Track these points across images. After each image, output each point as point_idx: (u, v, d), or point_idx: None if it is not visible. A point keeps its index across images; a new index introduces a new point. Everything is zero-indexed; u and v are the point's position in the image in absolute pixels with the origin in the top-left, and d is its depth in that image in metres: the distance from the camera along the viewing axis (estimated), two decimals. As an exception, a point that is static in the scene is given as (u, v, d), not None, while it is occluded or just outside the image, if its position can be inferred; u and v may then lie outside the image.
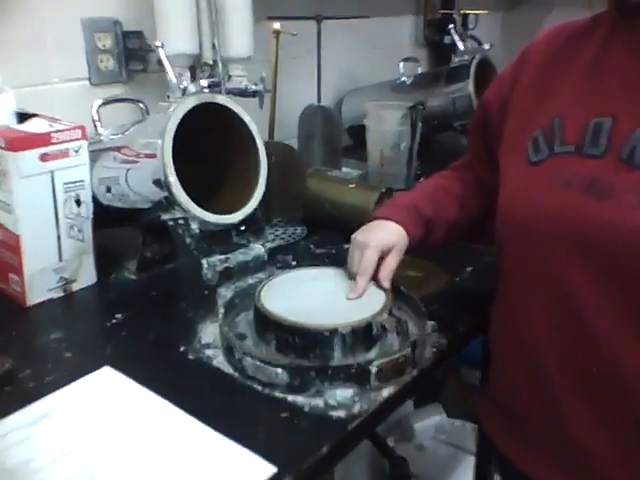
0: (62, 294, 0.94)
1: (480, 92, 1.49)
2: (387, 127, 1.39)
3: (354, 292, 0.81)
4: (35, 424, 0.65)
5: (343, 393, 0.69)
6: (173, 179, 0.82)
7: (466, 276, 1.02)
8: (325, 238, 1.16)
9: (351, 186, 1.18)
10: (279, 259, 1.07)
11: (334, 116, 1.48)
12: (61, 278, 0.93)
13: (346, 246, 1.13)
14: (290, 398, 0.70)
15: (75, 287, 0.95)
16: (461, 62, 1.51)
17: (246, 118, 0.90)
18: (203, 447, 0.62)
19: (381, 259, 0.83)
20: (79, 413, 0.67)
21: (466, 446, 1.50)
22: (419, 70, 1.67)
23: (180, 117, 0.83)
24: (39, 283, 0.90)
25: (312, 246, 1.14)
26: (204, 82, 0.82)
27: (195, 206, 0.84)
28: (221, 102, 0.87)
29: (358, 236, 0.86)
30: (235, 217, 0.88)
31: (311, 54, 1.46)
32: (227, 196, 0.93)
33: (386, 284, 0.82)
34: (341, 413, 0.68)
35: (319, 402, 0.70)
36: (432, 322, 0.84)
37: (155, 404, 0.69)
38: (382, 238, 0.84)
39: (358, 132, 1.64)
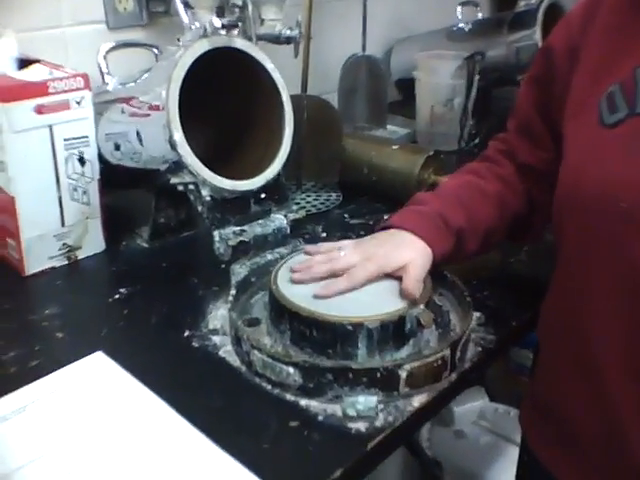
0: (65, 262, 0.85)
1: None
2: (439, 80, 1.23)
3: (323, 291, 0.65)
4: (5, 420, 0.57)
5: (365, 401, 0.58)
6: (179, 137, 0.70)
7: (522, 257, 0.88)
8: (362, 207, 1.04)
9: (394, 147, 1.04)
10: (307, 229, 0.95)
11: (381, 68, 1.33)
12: (64, 245, 0.84)
13: (386, 216, 1.02)
14: (302, 402, 0.60)
15: (80, 255, 0.86)
16: (527, 6, 1.32)
17: (269, 65, 0.77)
18: (193, 459, 0.52)
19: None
20: (58, 409, 0.59)
21: (511, 436, 1.37)
22: (479, 15, 1.49)
23: (189, 64, 0.70)
24: (39, 250, 0.82)
25: (346, 215, 1.01)
26: (217, 21, 0.69)
27: (205, 169, 0.72)
28: (239, 47, 0.74)
29: (364, 242, 0.70)
30: (253, 183, 0.76)
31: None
32: (247, 159, 0.81)
33: (416, 294, 0.65)
34: (361, 426, 0.57)
35: (336, 410, 0.59)
36: (478, 313, 0.72)
37: (146, 402, 0.59)
38: (390, 257, 0.67)
39: (408, 86, 1.48)
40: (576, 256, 0.63)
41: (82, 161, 0.83)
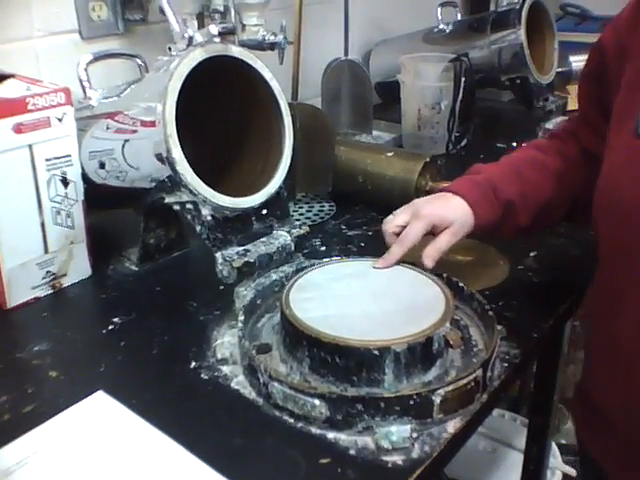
0: (50, 291, 0.79)
1: (532, 41, 1.29)
2: (426, 83, 1.21)
3: (382, 261, 0.70)
4: (7, 476, 0.51)
5: (399, 431, 0.54)
6: (178, 154, 0.65)
7: (530, 263, 0.86)
8: (358, 217, 1.00)
9: (389, 154, 1.00)
10: (304, 244, 0.90)
11: (364, 72, 1.29)
12: (48, 273, 0.78)
13: (384, 226, 0.98)
14: (330, 436, 0.55)
15: (66, 282, 0.80)
16: (510, 6, 1.31)
17: (267, 75, 0.73)
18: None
19: (432, 235, 0.70)
20: (63, 459, 0.53)
21: (510, 441, 1.35)
22: (458, 16, 1.47)
23: (185, 74, 0.65)
24: (21, 280, 0.75)
25: (344, 227, 0.97)
26: (214, 28, 0.65)
27: (206, 188, 0.67)
28: (236, 55, 0.70)
29: (415, 200, 0.74)
30: (256, 199, 0.71)
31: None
32: (246, 173, 0.76)
33: (428, 263, 0.69)
34: (397, 458, 0.53)
35: (367, 442, 0.55)
36: (499, 327, 0.68)
37: (158, 445, 0.54)
38: (438, 212, 0.70)
39: (388, 89, 1.46)
40: (609, 257, 0.63)
41: (65, 182, 0.77)
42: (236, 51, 0.70)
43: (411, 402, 0.55)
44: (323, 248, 0.90)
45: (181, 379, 0.63)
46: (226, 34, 0.70)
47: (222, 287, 0.75)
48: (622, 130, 0.61)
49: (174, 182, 0.69)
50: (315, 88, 1.28)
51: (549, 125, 1.30)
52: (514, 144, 1.30)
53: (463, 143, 1.30)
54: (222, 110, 0.77)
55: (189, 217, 0.71)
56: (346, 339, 0.58)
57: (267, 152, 0.76)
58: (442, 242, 0.70)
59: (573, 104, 1.47)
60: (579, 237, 0.90)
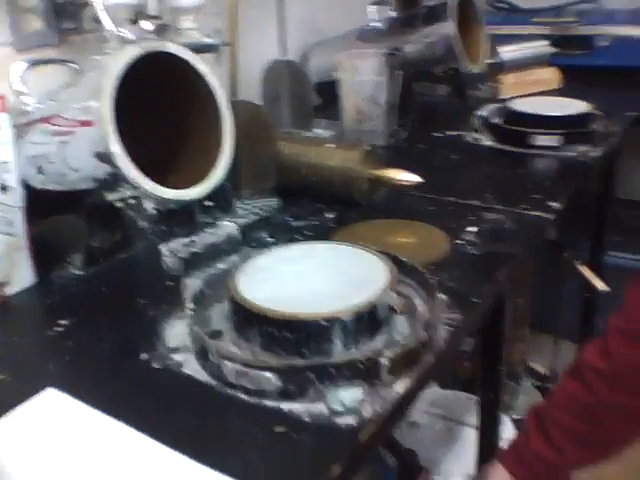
0: (-4, 300, 0.78)
1: (462, 33, 1.34)
2: (363, 78, 1.24)
3: None
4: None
5: (350, 394, 0.56)
6: (117, 149, 0.66)
7: (470, 238, 0.89)
8: (304, 208, 1.02)
9: (330, 146, 1.03)
10: (252, 237, 0.92)
11: (302, 72, 1.32)
12: (-8, 282, 0.77)
13: (330, 215, 1.01)
14: (285, 406, 0.57)
15: (9, 291, 0.79)
16: (440, 0, 1.36)
17: (204, 69, 0.75)
18: (181, 486, 0.48)
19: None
20: (20, 456, 0.53)
21: (464, 419, 1.39)
22: (391, 13, 1.52)
23: (121, 69, 0.66)
24: (-36, 290, 0.74)
25: (290, 219, 0.99)
26: (148, 24, 0.66)
27: (148, 180, 0.68)
28: (172, 51, 0.71)
29: None
30: (199, 191, 0.73)
31: (268, 3, 1.29)
32: (187, 168, 0.77)
33: None
34: (350, 419, 0.55)
35: (321, 408, 0.56)
36: (442, 296, 0.72)
37: (117, 433, 0.54)
38: None
39: (327, 90, 1.48)
40: None
41: (4, 188, 0.77)
42: (172, 47, 0.72)
43: (360, 366, 0.57)
44: (270, 240, 0.92)
45: (133, 371, 0.64)
46: (161, 31, 0.71)
47: (170, 283, 0.76)
48: None
49: (115, 178, 0.70)
50: (255, 90, 1.30)
51: (482, 112, 1.35)
52: (450, 133, 1.35)
53: (403, 135, 1.34)
54: (163, 107, 0.78)
55: (132, 213, 0.72)
56: (294, 314, 0.60)
57: (208, 146, 0.77)
58: None
59: (504, 92, 1.54)
60: (514, 213, 0.95)
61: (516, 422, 1.45)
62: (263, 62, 1.30)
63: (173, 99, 0.78)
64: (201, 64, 0.76)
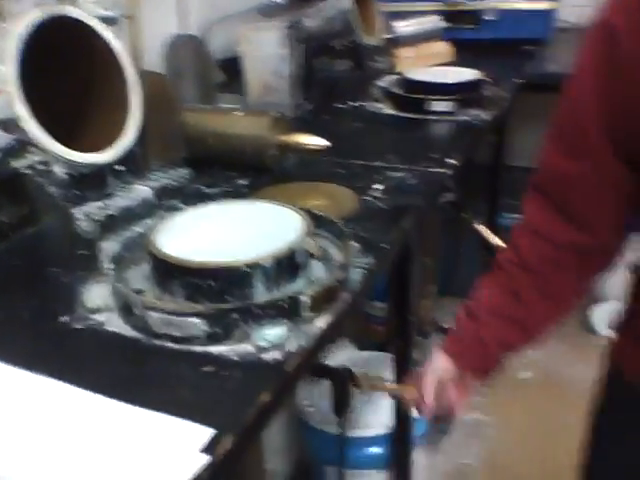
0: None
1: (358, 7, 1.39)
2: (265, 51, 1.26)
3: None
4: None
5: (275, 332, 0.59)
6: (23, 112, 0.65)
7: (377, 194, 0.95)
8: (216, 177, 1.03)
9: (238, 114, 1.05)
10: (165, 205, 0.92)
11: (205, 47, 1.32)
12: None
13: (242, 182, 1.03)
14: (213, 349, 0.59)
15: None
16: (333, -25, 1.40)
17: (106, 34, 0.75)
18: (125, 426, 0.50)
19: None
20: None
21: (381, 376, 1.46)
22: (289, -10, 1.55)
23: (23, 34, 0.65)
24: None
25: (203, 187, 1.00)
26: (45, -11, 0.66)
27: (57, 144, 0.68)
28: (74, 15, 0.71)
29: None
30: (109, 154, 0.73)
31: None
32: (96, 132, 0.77)
33: None
34: (276, 354, 0.58)
35: (248, 348, 0.59)
36: (354, 244, 0.76)
37: (52, 390, 0.54)
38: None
39: (230, 66, 1.49)
40: None
41: None
42: (74, 12, 0.71)
43: (282, 305, 0.60)
44: (183, 206, 0.93)
45: (55, 333, 0.64)
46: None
47: (84, 251, 0.76)
48: None
49: (22, 144, 0.68)
50: (157, 65, 1.29)
51: (381, 83, 1.42)
52: (352, 103, 1.41)
53: (307, 107, 1.38)
54: (69, 74, 0.77)
55: (41, 179, 0.71)
56: (216, 262, 0.62)
57: (115, 110, 0.77)
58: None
59: (401, 66, 1.61)
60: (415, 171, 1.01)
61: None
62: (165, 37, 1.29)
63: (78, 66, 0.77)
64: (105, 30, 0.76)
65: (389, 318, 1.70)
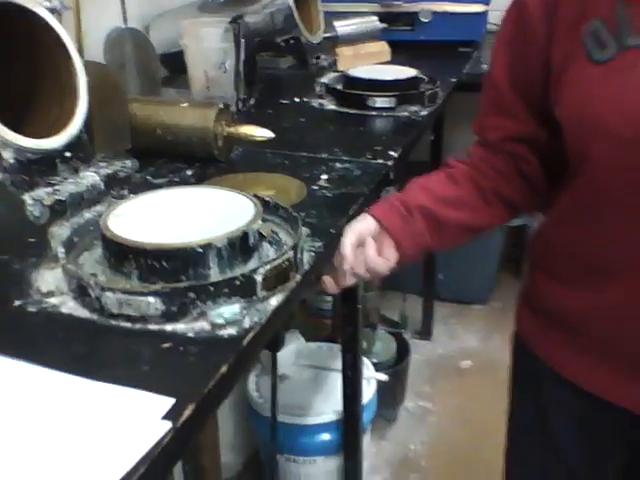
0: None
1: (299, 6, 1.42)
2: (209, 45, 1.28)
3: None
4: None
5: (230, 309, 0.61)
6: (-33, 95, 0.65)
7: (323, 184, 0.98)
8: (163, 168, 1.04)
9: (184, 105, 1.06)
10: (114, 195, 0.92)
11: (147, 40, 1.32)
12: None
13: (189, 172, 1.04)
14: (169, 327, 0.60)
15: None
16: (275, -27, 1.42)
17: (51, 21, 0.74)
18: (85, 400, 0.50)
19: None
20: None
21: (329, 365, 1.50)
22: (230, -14, 1.56)
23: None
24: None
25: (150, 177, 1.01)
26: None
27: (5, 129, 0.67)
28: (18, 2, 0.70)
29: None
30: (58, 140, 0.73)
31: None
32: (43, 119, 0.77)
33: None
34: (232, 330, 0.60)
35: (204, 325, 0.61)
36: (304, 228, 0.79)
37: (10, 368, 0.54)
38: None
39: (171, 61, 1.50)
40: (594, 178, 0.67)
41: None
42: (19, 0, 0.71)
43: (237, 283, 0.62)
44: (132, 195, 0.93)
45: (10, 316, 0.63)
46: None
47: (32, 239, 0.76)
48: (575, 65, 0.64)
49: (-33, 128, 0.68)
50: (99, 58, 1.28)
51: (324, 80, 1.45)
52: (296, 99, 1.44)
53: (251, 101, 1.40)
54: (14, 61, 0.76)
55: (-12, 165, 0.70)
56: (170, 243, 0.64)
57: (62, 96, 0.77)
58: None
59: (342, 64, 1.65)
60: (359, 162, 1.05)
61: (375, 365, 1.59)
62: (106, 30, 1.28)
63: (24, 54, 0.77)
64: (49, 16, 0.75)
65: (336, 310, 1.75)
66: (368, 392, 1.43)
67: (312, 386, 1.42)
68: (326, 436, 1.34)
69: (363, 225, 0.76)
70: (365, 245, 0.75)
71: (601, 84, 0.62)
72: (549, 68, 0.69)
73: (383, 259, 0.75)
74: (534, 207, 0.83)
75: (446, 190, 0.77)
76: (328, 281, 0.76)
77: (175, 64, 1.45)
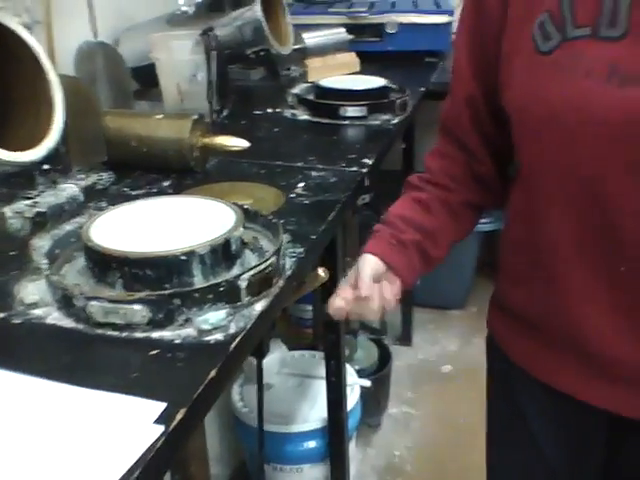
0: None
1: (269, 17, 1.44)
2: (180, 57, 1.28)
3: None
4: None
5: (215, 315, 0.62)
6: (-57, 110, 0.64)
7: (300, 192, 0.99)
8: (139, 179, 1.04)
9: (158, 117, 1.06)
10: (91, 206, 0.92)
11: (117, 54, 1.32)
12: None
13: (166, 183, 1.04)
14: (155, 335, 0.61)
15: None
16: (244, -15, 1.44)
17: (24, 34, 0.74)
18: (76, 408, 0.50)
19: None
20: None
21: (312, 373, 1.51)
22: None
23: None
24: None
25: (126, 189, 1.01)
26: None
27: (-19, 142, 0.67)
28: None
29: None
30: (36, 153, 0.73)
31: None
32: (19, 133, 0.76)
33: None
34: (219, 336, 0.61)
35: (190, 331, 0.61)
36: (284, 235, 0.79)
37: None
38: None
39: (142, 74, 1.50)
40: (535, 170, 0.69)
41: None
42: (-10, 10, 0.71)
43: (221, 289, 0.63)
44: (110, 207, 0.93)
45: (-8, 330, 0.63)
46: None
47: (13, 252, 0.75)
48: (521, 54, 0.66)
49: (-57, 143, 0.67)
50: (70, 71, 1.27)
51: (295, 90, 1.47)
52: (269, 110, 1.45)
53: (225, 113, 1.41)
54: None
55: (-35, 179, 0.70)
56: (154, 251, 0.64)
57: (37, 110, 0.77)
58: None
59: (312, 75, 1.67)
60: (334, 170, 1.07)
61: (357, 372, 1.59)
62: (76, 44, 1.28)
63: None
64: (22, 30, 0.76)
65: (317, 318, 1.75)
66: (352, 398, 1.44)
67: (296, 394, 1.42)
68: (312, 444, 1.34)
69: (372, 263, 0.76)
70: (383, 286, 0.75)
71: (545, 73, 0.64)
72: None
73: (394, 299, 0.76)
74: (493, 206, 0.86)
75: (425, 221, 0.79)
76: (337, 305, 0.73)
77: (145, 77, 1.45)
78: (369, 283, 0.73)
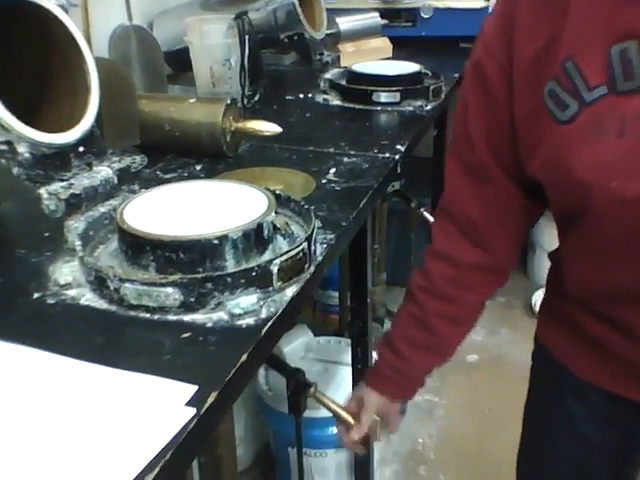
0: None
1: (302, 2, 1.43)
2: (213, 41, 1.28)
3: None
4: None
5: (247, 300, 0.62)
6: (-16, 91, 0.65)
7: (332, 178, 0.98)
8: (172, 163, 1.05)
9: (192, 101, 1.06)
10: (124, 189, 0.93)
11: (152, 37, 1.33)
12: None
13: (198, 167, 1.05)
14: (187, 318, 0.61)
15: None
16: (278, -31, 1.43)
17: (62, 16, 0.75)
18: (110, 388, 0.51)
19: None
20: None
21: (338, 359, 1.51)
22: (233, -17, 1.56)
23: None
24: None
25: (159, 172, 1.01)
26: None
27: (20, 124, 0.68)
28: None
29: None
30: (72, 135, 0.73)
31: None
32: (57, 114, 0.77)
33: None
34: (250, 320, 0.61)
35: (222, 315, 0.61)
36: (315, 221, 0.79)
37: (34, 358, 0.55)
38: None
39: (176, 58, 1.50)
40: (594, 231, 0.65)
41: None
42: (30, -7, 0.71)
43: (253, 274, 0.63)
44: (143, 190, 0.93)
45: (28, 308, 0.64)
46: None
47: (47, 234, 0.76)
48: (538, 126, 0.63)
49: (-18, 124, 0.68)
50: (104, 55, 1.28)
51: (328, 75, 1.46)
52: (301, 95, 1.44)
53: (257, 97, 1.40)
54: (27, 57, 0.77)
55: (4, 161, 0.71)
56: (187, 235, 0.64)
57: (74, 92, 0.78)
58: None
59: (345, 60, 1.66)
60: (366, 156, 1.06)
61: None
62: (111, 27, 1.29)
63: (35, 50, 0.77)
64: (59, 11, 0.76)
65: (343, 305, 1.75)
66: (376, 385, 1.43)
67: (322, 380, 1.42)
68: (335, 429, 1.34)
69: (376, 405, 0.88)
70: (390, 425, 0.91)
71: (574, 146, 0.59)
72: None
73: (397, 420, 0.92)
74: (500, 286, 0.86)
75: (430, 340, 0.83)
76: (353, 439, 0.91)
77: (179, 61, 1.45)
78: (372, 422, 0.88)
